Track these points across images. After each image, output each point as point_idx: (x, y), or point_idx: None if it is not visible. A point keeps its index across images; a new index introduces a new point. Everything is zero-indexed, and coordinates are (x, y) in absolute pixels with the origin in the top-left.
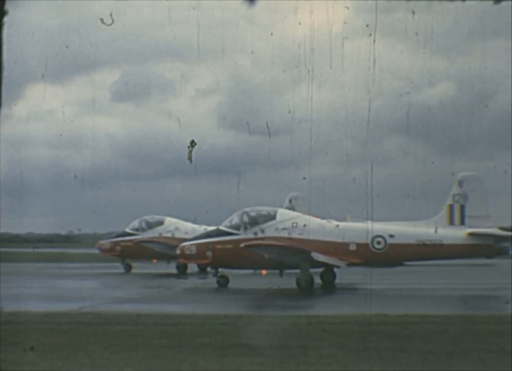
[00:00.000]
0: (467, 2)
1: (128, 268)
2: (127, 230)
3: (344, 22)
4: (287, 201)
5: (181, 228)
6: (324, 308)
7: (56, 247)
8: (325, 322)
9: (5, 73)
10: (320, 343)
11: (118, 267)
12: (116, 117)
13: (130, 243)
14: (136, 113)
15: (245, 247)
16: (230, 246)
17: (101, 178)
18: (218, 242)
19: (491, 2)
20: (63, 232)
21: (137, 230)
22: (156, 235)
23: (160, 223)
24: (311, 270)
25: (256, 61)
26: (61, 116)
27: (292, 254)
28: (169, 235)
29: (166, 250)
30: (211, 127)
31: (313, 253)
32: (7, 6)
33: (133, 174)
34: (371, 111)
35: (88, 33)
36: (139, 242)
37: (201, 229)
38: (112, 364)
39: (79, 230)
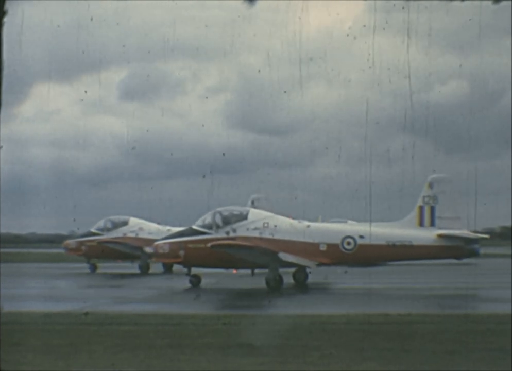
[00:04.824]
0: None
1: (93, 268)
2: (92, 230)
3: (354, 21)
4: (249, 202)
5: (145, 228)
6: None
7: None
8: (327, 322)
9: (12, 72)
10: (321, 343)
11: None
12: (123, 116)
13: (94, 243)
14: (143, 112)
15: (212, 246)
16: (202, 245)
17: (106, 178)
18: (190, 242)
19: (491, 2)
20: (65, 232)
21: (102, 230)
22: (121, 235)
23: (125, 223)
24: (285, 269)
25: (265, 59)
26: (68, 116)
27: (258, 254)
28: (133, 235)
29: (127, 250)
30: (219, 126)
31: (280, 253)
32: (7, 6)
33: (139, 174)
34: (380, 109)
35: (96, 32)
36: (101, 242)
37: (165, 229)
38: (114, 364)
39: (78, 229)
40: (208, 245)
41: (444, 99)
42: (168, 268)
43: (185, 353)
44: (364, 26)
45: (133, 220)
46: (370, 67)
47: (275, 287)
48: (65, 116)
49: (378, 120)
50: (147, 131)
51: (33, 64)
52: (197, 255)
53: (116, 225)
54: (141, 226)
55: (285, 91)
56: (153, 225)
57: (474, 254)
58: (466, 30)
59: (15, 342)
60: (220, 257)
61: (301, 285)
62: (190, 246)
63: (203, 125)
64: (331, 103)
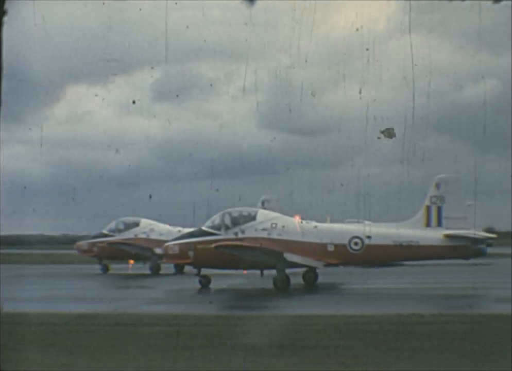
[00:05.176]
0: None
1: (105, 269)
2: (104, 231)
3: (388, 20)
4: (259, 203)
5: (156, 229)
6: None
7: None
8: (359, 322)
9: (44, 74)
10: (354, 343)
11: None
12: (156, 117)
13: (105, 245)
14: (176, 113)
15: (216, 247)
16: (211, 246)
17: (139, 179)
18: (199, 243)
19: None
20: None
21: (113, 231)
22: (132, 236)
23: (136, 224)
24: (294, 270)
25: (296, 60)
26: (100, 117)
27: (263, 254)
28: (144, 236)
29: (137, 251)
30: (251, 127)
31: (286, 254)
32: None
33: (171, 175)
34: (415, 109)
35: (129, 33)
36: (110, 243)
37: (176, 230)
38: (147, 365)
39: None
40: (213, 245)
41: (477, 98)
42: (179, 269)
43: (217, 354)
44: (401, 24)
45: (144, 222)
46: (402, 67)
47: (282, 288)
48: (97, 118)
49: (410, 120)
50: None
51: (66, 66)
52: (206, 256)
53: (127, 226)
54: (152, 228)
55: (313, 95)
56: (164, 227)
57: (481, 254)
58: (499, 29)
59: (49, 343)
60: (229, 258)
61: (311, 285)
62: (199, 246)
63: (234, 125)
64: (363, 103)
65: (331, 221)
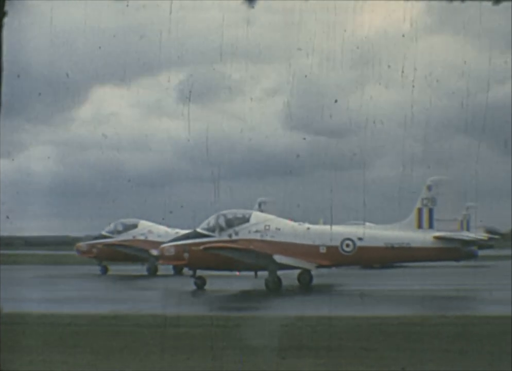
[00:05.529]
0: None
1: (104, 270)
2: (103, 232)
3: (410, 22)
4: (256, 205)
5: (154, 231)
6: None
7: None
8: (384, 323)
9: (71, 76)
10: (379, 345)
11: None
12: (180, 119)
13: (102, 246)
14: (201, 114)
15: (204, 249)
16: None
17: (164, 180)
18: (194, 244)
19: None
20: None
21: (112, 232)
22: (130, 237)
23: (135, 226)
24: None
25: (322, 61)
26: (125, 118)
27: (252, 256)
28: (142, 238)
29: (133, 252)
30: (276, 128)
31: (275, 256)
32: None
33: (196, 176)
34: (436, 110)
35: (154, 34)
36: (107, 245)
37: (173, 232)
38: (173, 367)
39: None
40: (201, 247)
41: (503, 99)
42: (178, 270)
43: (244, 355)
44: (423, 25)
45: (143, 223)
46: (427, 68)
47: (274, 289)
48: (122, 119)
49: (435, 121)
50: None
51: (91, 67)
52: (200, 257)
53: (126, 228)
54: (150, 229)
55: (336, 101)
56: (162, 228)
57: (472, 256)
58: None
59: (75, 344)
60: (223, 260)
61: (306, 287)
62: (193, 248)
63: (259, 127)
64: (388, 104)
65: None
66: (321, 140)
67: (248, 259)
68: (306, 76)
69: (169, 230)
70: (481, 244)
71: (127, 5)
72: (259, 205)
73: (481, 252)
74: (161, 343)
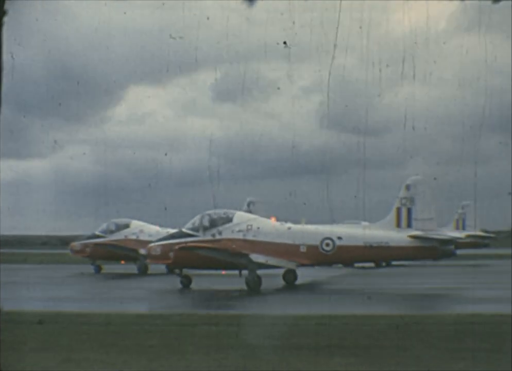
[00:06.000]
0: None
1: (98, 269)
2: (96, 232)
3: (447, 20)
4: (245, 205)
5: (146, 230)
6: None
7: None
8: (420, 322)
9: (105, 75)
10: (411, 343)
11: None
12: (216, 118)
13: (93, 246)
14: (237, 113)
15: (180, 248)
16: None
17: (199, 179)
18: (178, 244)
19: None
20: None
21: (105, 232)
22: (122, 237)
23: (127, 226)
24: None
25: (358, 59)
26: (160, 118)
27: (229, 256)
28: (133, 237)
29: (123, 252)
30: (312, 127)
31: (252, 255)
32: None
33: (232, 175)
34: (474, 109)
35: (190, 33)
36: (97, 245)
37: (165, 231)
38: (207, 366)
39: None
40: (176, 247)
41: None
42: (171, 269)
43: (277, 354)
44: (459, 24)
45: (135, 223)
46: (463, 66)
47: (254, 288)
48: (158, 118)
49: (471, 120)
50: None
51: (126, 67)
52: (184, 257)
53: (118, 227)
54: (141, 229)
55: (378, 95)
56: (153, 228)
57: (450, 254)
58: None
59: (111, 343)
60: (206, 259)
61: (291, 285)
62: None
63: (295, 126)
64: (425, 103)
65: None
66: (357, 139)
67: (224, 258)
68: (342, 75)
69: (160, 229)
70: (486, 243)
71: (163, 4)
72: (248, 205)
73: (478, 251)
74: (197, 341)
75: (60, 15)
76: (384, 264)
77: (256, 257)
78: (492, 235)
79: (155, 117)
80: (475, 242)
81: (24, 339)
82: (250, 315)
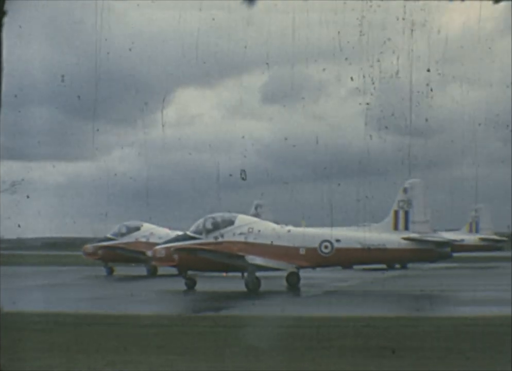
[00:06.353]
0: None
1: (110, 271)
2: (108, 235)
3: (495, 21)
4: (253, 208)
5: (156, 233)
6: None
7: None
8: (468, 324)
9: (154, 78)
10: (464, 346)
11: None
12: (264, 119)
13: (107, 248)
14: (285, 115)
15: (175, 250)
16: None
17: (248, 182)
18: (181, 246)
19: (491, 2)
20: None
21: (116, 235)
22: (133, 240)
23: (137, 228)
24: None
25: (406, 61)
26: (209, 120)
27: (225, 258)
28: (144, 240)
29: (135, 254)
30: (360, 128)
31: (247, 257)
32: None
33: (280, 177)
34: None
35: (237, 35)
36: (110, 247)
37: (174, 234)
38: (254, 367)
39: None
40: (172, 249)
41: None
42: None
43: (327, 356)
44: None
45: (145, 226)
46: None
47: (253, 289)
48: (206, 120)
49: None
50: (285, 139)
51: (174, 69)
52: (188, 259)
53: (129, 230)
54: (152, 232)
55: (431, 90)
56: (164, 231)
57: (446, 257)
58: None
59: (160, 345)
60: (209, 261)
61: (293, 287)
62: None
63: (343, 127)
64: (472, 104)
65: None
66: (404, 140)
67: (221, 260)
68: (390, 75)
69: (170, 232)
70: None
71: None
72: (256, 208)
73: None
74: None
75: (109, 17)
76: (398, 266)
77: (252, 259)
78: (505, 238)
79: (204, 119)
80: (488, 246)
81: (75, 341)
82: (303, 317)
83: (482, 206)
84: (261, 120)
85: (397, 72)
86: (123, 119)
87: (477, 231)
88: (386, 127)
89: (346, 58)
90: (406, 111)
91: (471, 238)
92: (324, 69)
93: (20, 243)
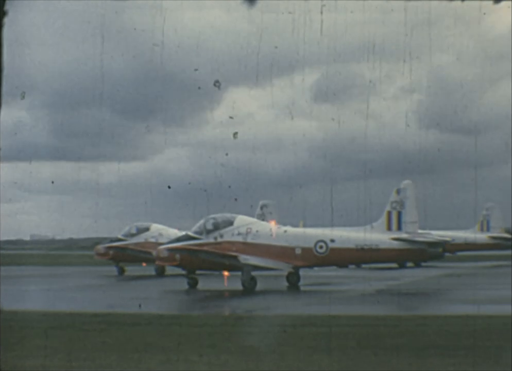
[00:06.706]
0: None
1: (120, 271)
2: (119, 235)
3: None
4: (258, 208)
5: (165, 234)
6: None
7: None
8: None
9: (205, 78)
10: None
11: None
12: (315, 119)
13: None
14: (335, 114)
15: (168, 250)
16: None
17: (299, 180)
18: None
19: (491, 2)
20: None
21: (127, 235)
22: (142, 240)
23: (147, 229)
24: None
25: (456, 59)
26: (260, 119)
27: (219, 257)
28: (153, 240)
29: (144, 255)
30: (410, 127)
31: (241, 256)
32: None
33: (330, 176)
34: None
35: (287, 34)
36: (120, 248)
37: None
38: (308, 366)
39: None
40: (165, 249)
41: None
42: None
43: (378, 354)
44: None
45: (154, 226)
46: None
47: (249, 288)
48: (257, 120)
49: None
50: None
51: (225, 69)
52: (189, 259)
53: (139, 231)
54: (161, 232)
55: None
56: (172, 231)
57: (438, 257)
58: None
59: (210, 345)
60: (208, 261)
61: (294, 286)
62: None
63: (394, 125)
64: None
65: None
66: (456, 138)
67: (217, 260)
68: (441, 74)
69: (178, 232)
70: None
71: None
72: (261, 207)
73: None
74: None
75: (158, 18)
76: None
77: (246, 259)
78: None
79: (255, 118)
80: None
81: (126, 340)
82: (343, 316)
83: (493, 205)
84: (312, 119)
85: (450, 71)
86: (174, 119)
87: (488, 230)
88: (436, 125)
89: (396, 57)
90: (458, 109)
91: (481, 236)
92: (374, 68)
93: (72, 244)
